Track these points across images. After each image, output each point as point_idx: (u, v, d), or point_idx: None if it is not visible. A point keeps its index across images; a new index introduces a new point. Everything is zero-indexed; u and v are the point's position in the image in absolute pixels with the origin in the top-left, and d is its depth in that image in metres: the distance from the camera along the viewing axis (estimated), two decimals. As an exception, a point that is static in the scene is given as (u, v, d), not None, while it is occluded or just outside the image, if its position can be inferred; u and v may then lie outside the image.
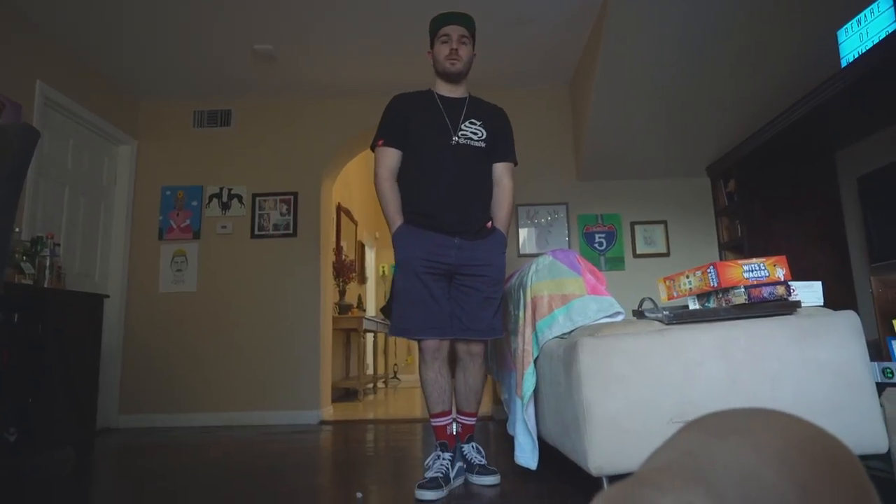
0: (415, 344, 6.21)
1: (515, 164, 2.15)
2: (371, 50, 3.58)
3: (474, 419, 2.08)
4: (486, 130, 2.04)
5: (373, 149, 2.08)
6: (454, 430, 2.04)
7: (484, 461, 1.98)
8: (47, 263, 2.68)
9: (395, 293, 1.98)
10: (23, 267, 2.56)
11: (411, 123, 2.02)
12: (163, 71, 3.79)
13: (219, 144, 4.13)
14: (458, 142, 1.99)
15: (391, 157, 2.03)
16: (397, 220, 1.98)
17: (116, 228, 3.93)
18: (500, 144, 2.11)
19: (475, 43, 2.09)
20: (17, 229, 2.72)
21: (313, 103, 4.17)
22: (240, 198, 4.04)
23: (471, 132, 2.02)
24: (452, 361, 2.09)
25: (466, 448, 2.00)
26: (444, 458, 1.90)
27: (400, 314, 1.94)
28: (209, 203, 4.04)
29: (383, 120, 2.07)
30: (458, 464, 1.98)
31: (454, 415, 2.07)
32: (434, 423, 1.99)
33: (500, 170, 2.10)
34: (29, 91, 3.10)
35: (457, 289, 1.98)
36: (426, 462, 1.95)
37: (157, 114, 4.17)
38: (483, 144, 2.03)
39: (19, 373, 2.37)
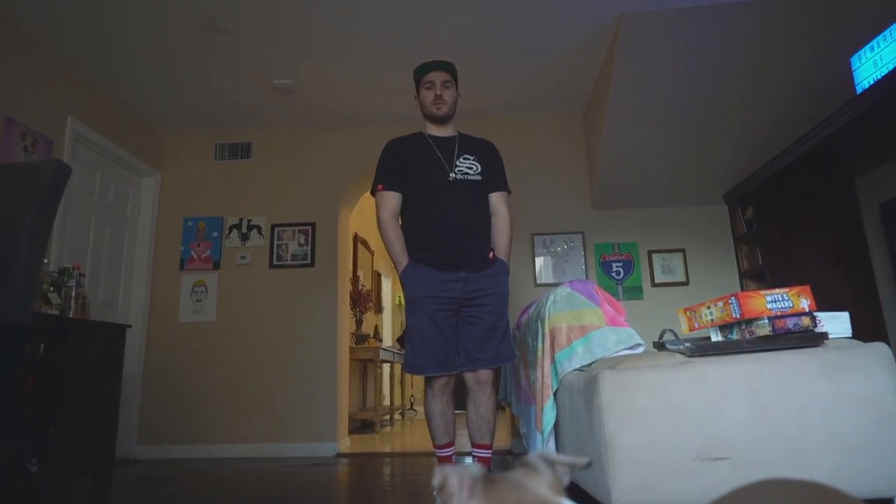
0: (431, 374, 5.94)
1: (509, 192, 2.23)
2: (387, 81, 3.66)
3: (490, 452, 2.05)
4: (480, 164, 2.13)
5: (373, 194, 2.15)
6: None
7: None
8: (73, 294, 2.74)
9: (406, 331, 2.03)
10: (49, 297, 2.61)
11: (408, 165, 2.10)
12: (186, 106, 3.92)
13: (239, 176, 4.23)
14: (455, 178, 2.07)
15: (392, 200, 2.10)
16: (403, 261, 2.04)
17: (139, 259, 4.01)
18: (495, 175, 2.18)
19: (458, 85, 2.20)
20: (45, 261, 2.79)
21: (331, 135, 4.26)
22: (259, 228, 4.11)
23: (466, 167, 2.10)
24: (464, 394, 2.09)
25: None
26: None
27: (412, 352, 1.99)
28: (229, 234, 4.11)
29: (380, 165, 2.15)
30: None
31: (470, 449, 2.06)
32: (440, 454, 2.03)
33: (497, 199, 2.18)
34: (60, 127, 3.22)
35: (462, 320, 2.03)
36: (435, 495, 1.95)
37: (180, 147, 4.29)
38: (479, 178, 2.12)
39: (42, 402, 2.39)
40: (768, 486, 0.47)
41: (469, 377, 2.03)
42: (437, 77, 2.11)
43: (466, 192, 2.07)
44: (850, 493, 0.47)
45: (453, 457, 2.04)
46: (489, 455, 2.04)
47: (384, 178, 2.12)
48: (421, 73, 2.15)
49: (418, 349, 1.97)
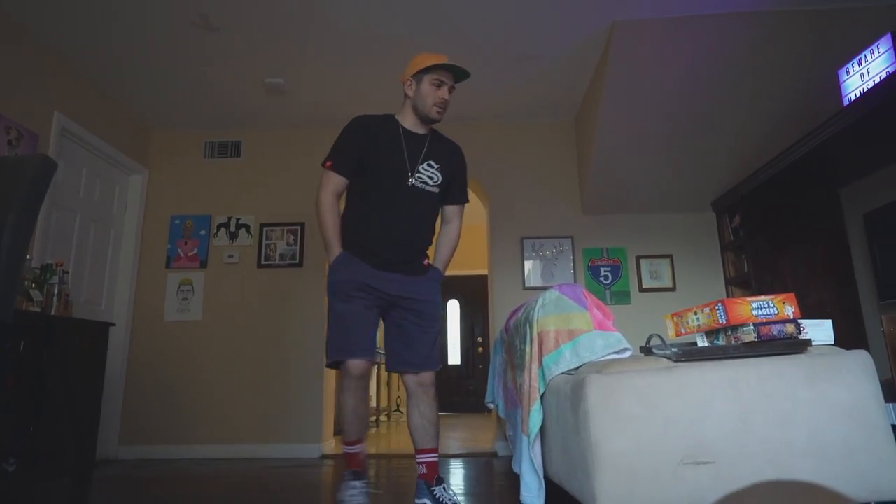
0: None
1: (467, 201, 2.18)
2: (379, 82, 3.66)
3: (436, 455, 1.98)
4: (442, 175, 2.02)
5: (323, 165, 2.01)
6: (430, 469, 1.96)
7: (457, 499, 1.90)
8: (56, 291, 2.70)
9: (331, 319, 1.92)
10: (31, 294, 2.57)
11: (369, 154, 1.95)
12: (175, 103, 3.89)
13: (228, 175, 4.20)
14: (413, 184, 1.95)
15: (338, 183, 1.98)
16: (337, 249, 1.93)
17: (125, 256, 3.96)
18: (455, 187, 2.10)
19: None
20: (28, 257, 2.74)
21: (322, 134, 4.23)
22: (247, 227, 4.08)
23: (427, 175, 1.98)
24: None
25: (438, 491, 1.91)
26: (359, 488, 1.89)
27: (338, 335, 1.88)
28: (217, 232, 4.08)
29: (339, 141, 2.00)
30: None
31: (419, 457, 1.98)
32: (349, 451, 1.95)
33: (453, 212, 2.12)
34: (47, 121, 3.17)
35: (394, 323, 1.97)
36: (339, 496, 1.90)
37: (168, 144, 4.25)
38: (437, 189, 2.01)
39: (23, 401, 2.35)
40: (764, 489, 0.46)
41: (411, 380, 1.96)
42: (450, 80, 1.96)
43: (419, 203, 1.97)
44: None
45: (361, 454, 1.96)
46: (436, 459, 1.96)
47: (337, 158, 1.98)
48: (437, 67, 1.93)
49: (343, 333, 1.86)
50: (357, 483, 1.90)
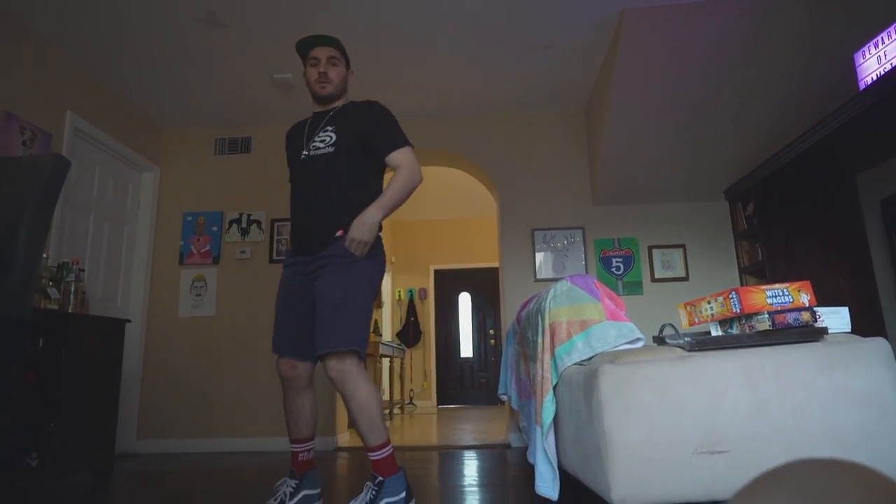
0: (431, 368, 6.21)
1: (410, 146, 1.96)
2: (388, 77, 3.65)
3: (376, 453, 1.77)
4: (336, 134, 1.93)
5: None
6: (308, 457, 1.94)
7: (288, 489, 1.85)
8: (72, 289, 2.74)
9: None
10: (49, 292, 2.61)
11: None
12: (184, 100, 3.91)
13: (239, 171, 4.22)
14: (308, 155, 1.96)
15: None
16: None
17: (139, 254, 4.01)
18: (377, 138, 1.95)
19: (349, 62, 2.06)
20: (44, 255, 2.79)
21: (331, 130, 4.24)
22: (259, 223, 4.10)
23: (319, 141, 1.95)
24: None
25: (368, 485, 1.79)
26: (287, 485, 1.90)
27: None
28: (229, 228, 4.11)
29: None
30: (304, 492, 1.88)
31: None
32: (292, 448, 1.96)
33: (393, 160, 1.94)
34: (59, 121, 3.21)
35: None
36: (276, 485, 1.96)
37: (179, 142, 4.28)
38: (331, 149, 1.92)
39: (42, 397, 2.40)
40: (804, 467, 0.44)
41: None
42: (322, 53, 1.97)
43: (316, 169, 1.93)
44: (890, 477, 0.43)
45: (302, 454, 1.92)
46: (377, 457, 1.78)
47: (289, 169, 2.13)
48: (305, 48, 1.99)
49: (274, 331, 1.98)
50: (291, 481, 1.88)
